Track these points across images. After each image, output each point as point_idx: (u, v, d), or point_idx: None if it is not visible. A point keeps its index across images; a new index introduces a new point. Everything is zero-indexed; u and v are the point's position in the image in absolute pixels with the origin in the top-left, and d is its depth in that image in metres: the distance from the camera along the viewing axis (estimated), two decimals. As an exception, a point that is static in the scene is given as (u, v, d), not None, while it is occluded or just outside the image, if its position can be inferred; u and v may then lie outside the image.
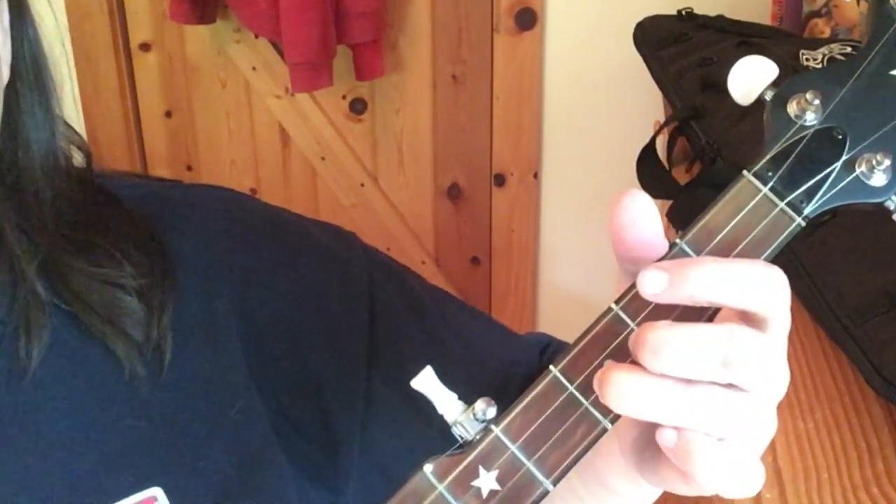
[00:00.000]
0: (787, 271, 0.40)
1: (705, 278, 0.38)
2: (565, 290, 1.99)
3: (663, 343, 0.38)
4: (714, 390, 0.38)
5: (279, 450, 0.60)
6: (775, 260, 0.41)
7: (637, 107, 1.70)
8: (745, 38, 1.23)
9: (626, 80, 1.70)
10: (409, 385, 0.42)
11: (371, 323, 0.61)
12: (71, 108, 0.59)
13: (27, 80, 0.55)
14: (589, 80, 1.81)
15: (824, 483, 0.71)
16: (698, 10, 1.35)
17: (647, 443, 0.44)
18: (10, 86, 0.54)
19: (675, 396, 0.38)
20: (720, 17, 1.34)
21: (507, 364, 0.63)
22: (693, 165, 1.16)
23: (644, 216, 0.40)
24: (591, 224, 1.89)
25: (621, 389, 0.38)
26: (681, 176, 1.17)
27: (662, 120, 1.31)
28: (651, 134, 1.25)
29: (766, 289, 0.39)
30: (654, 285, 0.38)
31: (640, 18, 1.37)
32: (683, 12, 1.35)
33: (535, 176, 1.90)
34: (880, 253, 0.85)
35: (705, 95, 1.15)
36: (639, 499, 0.53)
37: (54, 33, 0.58)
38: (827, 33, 1.31)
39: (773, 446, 0.75)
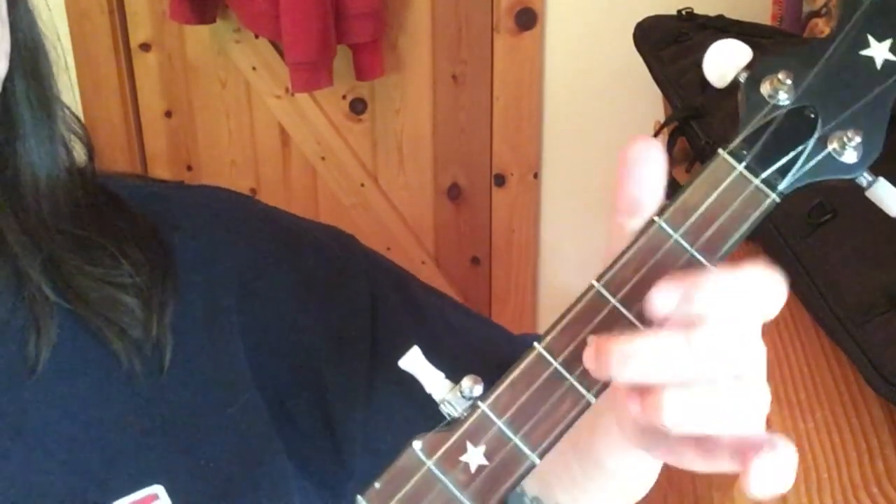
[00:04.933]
0: (787, 271, 0.40)
1: (717, 294, 0.38)
2: (565, 290, 1.99)
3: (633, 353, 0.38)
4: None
5: (281, 447, 0.60)
6: (777, 260, 0.42)
7: (637, 107, 1.70)
8: (745, 38, 1.23)
9: (626, 80, 1.70)
10: (410, 382, 0.42)
11: (372, 323, 0.62)
12: (71, 105, 0.58)
13: (24, 71, 0.54)
14: (589, 80, 1.81)
15: (824, 483, 0.71)
16: (698, 10, 1.35)
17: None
18: (7, 76, 0.53)
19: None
20: (720, 17, 1.34)
21: (505, 361, 0.64)
22: (693, 165, 1.16)
23: (655, 157, 0.41)
24: (591, 224, 1.89)
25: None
26: (681, 176, 1.17)
27: (662, 120, 1.31)
28: (651, 134, 1.25)
29: (777, 297, 0.39)
30: (666, 304, 0.39)
31: (640, 18, 1.37)
32: (683, 12, 1.35)
33: (535, 176, 1.90)
34: (880, 253, 0.85)
35: (705, 95, 1.15)
36: (634, 480, 0.54)
37: (49, 21, 0.57)
38: (827, 33, 1.31)
39: (773, 446, 0.74)
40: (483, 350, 0.65)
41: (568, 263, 1.97)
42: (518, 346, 0.66)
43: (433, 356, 0.43)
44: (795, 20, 1.36)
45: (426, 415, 0.45)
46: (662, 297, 0.39)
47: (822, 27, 1.32)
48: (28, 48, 0.55)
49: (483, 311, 2.03)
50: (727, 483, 0.73)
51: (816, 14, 1.33)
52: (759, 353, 0.40)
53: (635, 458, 0.50)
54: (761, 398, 0.40)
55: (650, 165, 0.41)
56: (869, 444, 0.75)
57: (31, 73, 0.55)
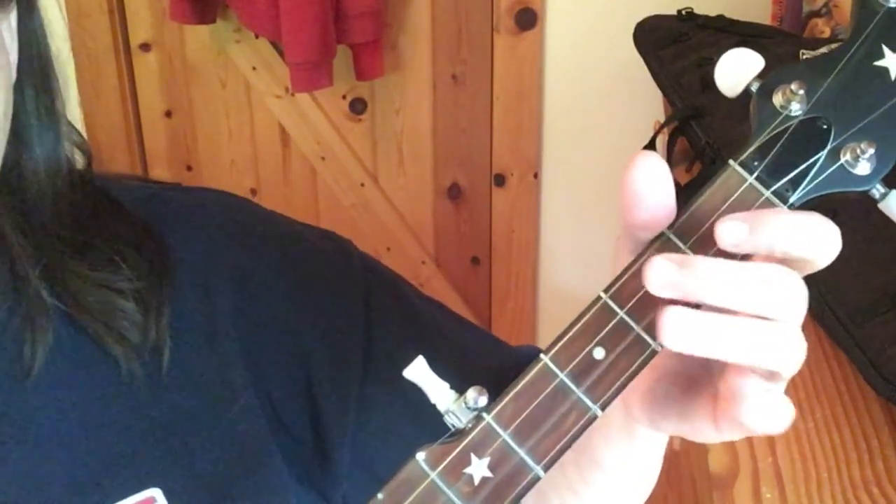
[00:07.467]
0: (787, 271, 0.40)
1: (785, 229, 0.39)
2: (565, 290, 1.99)
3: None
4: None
5: (277, 451, 0.60)
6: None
7: (637, 107, 1.70)
8: (746, 38, 1.24)
9: (626, 80, 1.70)
10: (403, 391, 0.42)
11: (366, 328, 0.61)
12: (71, 108, 0.59)
13: (33, 82, 0.54)
14: (589, 80, 1.81)
15: (824, 483, 0.72)
16: (698, 10, 1.35)
17: (669, 390, 0.45)
18: (16, 86, 0.53)
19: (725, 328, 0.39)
20: (720, 17, 1.34)
21: (500, 371, 0.63)
22: (693, 165, 1.17)
23: (661, 178, 0.41)
24: (591, 224, 1.89)
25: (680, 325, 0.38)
26: (681, 176, 1.18)
27: (662, 120, 1.31)
28: (651, 134, 1.25)
29: (831, 244, 0.40)
30: (734, 235, 0.39)
31: (640, 18, 1.37)
32: (683, 12, 1.35)
33: (535, 176, 1.90)
34: (880, 253, 0.85)
35: (705, 95, 1.15)
36: (629, 482, 0.53)
37: (61, 34, 0.57)
38: (827, 33, 1.31)
39: (773, 446, 0.75)
40: (477, 358, 0.64)
41: (568, 263, 1.97)
42: (513, 355, 0.66)
43: (428, 362, 0.43)
44: (795, 20, 1.36)
45: (419, 425, 0.44)
46: (729, 230, 0.39)
47: (822, 27, 1.32)
48: (39, 62, 0.55)
49: (483, 311, 2.03)
50: (727, 483, 0.73)
51: (816, 14, 1.33)
52: (800, 300, 0.40)
53: (633, 450, 0.50)
54: (795, 341, 0.40)
55: (658, 187, 0.40)
56: (869, 444, 0.75)
57: (40, 84, 0.55)
